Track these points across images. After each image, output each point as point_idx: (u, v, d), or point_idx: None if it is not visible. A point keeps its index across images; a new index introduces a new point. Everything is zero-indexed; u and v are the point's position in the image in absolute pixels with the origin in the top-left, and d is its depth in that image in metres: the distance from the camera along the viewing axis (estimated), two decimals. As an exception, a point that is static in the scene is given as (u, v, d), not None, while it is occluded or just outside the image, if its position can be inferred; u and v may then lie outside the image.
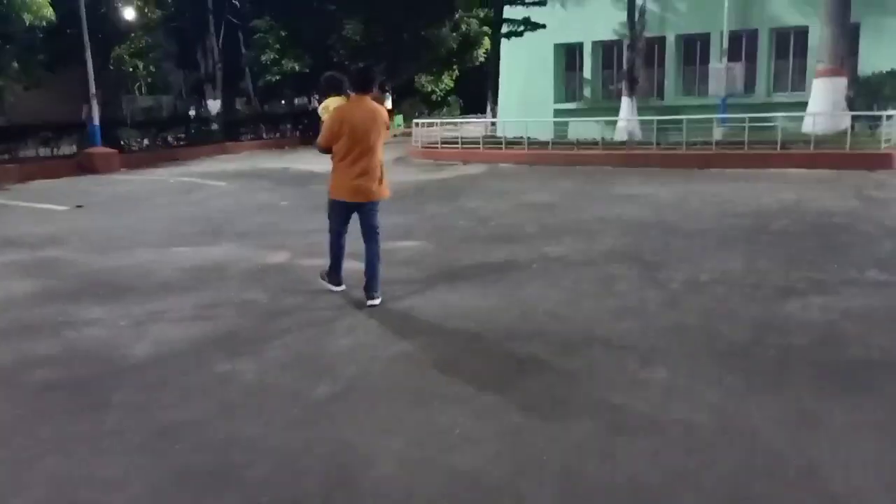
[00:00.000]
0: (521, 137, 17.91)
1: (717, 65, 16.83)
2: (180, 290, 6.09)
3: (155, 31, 26.96)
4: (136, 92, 29.89)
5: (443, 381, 3.94)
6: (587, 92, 20.42)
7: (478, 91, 43.44)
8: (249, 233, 8.85)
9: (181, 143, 22.85)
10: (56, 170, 16.56)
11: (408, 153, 20.09)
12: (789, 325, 4.69)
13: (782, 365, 4.04)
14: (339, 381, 3.97)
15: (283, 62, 26.97)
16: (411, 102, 40.26)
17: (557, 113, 19.97)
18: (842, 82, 14.94)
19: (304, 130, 27.74)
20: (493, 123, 19.81)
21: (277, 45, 27.24)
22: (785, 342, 4.38)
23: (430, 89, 36.41)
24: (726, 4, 16.38)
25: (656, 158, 15.26)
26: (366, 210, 5.40)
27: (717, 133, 15.36)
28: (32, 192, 13.96)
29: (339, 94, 5.94)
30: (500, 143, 17.89)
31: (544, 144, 17.38)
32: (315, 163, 18.13)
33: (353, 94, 5.43)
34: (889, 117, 13.38)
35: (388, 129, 5.47)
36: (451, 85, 36.70)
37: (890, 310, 4.94)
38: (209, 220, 9.92)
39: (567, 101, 20.72)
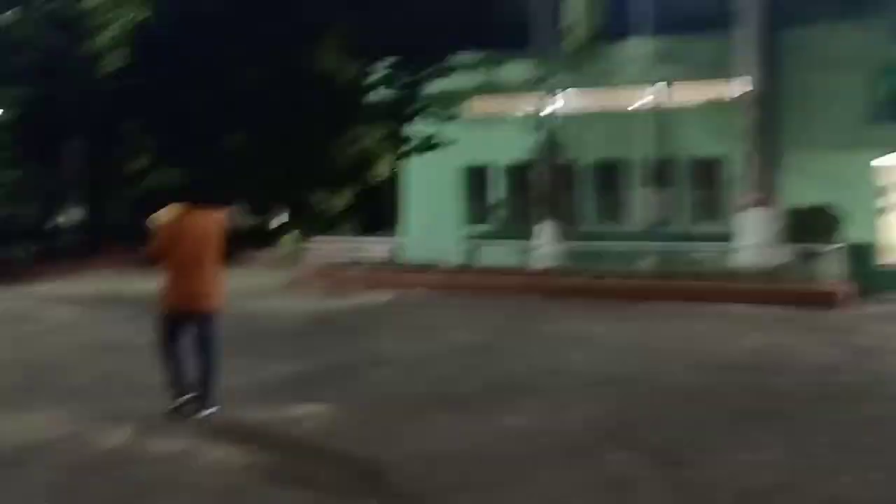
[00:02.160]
0: (431, 262, 16.36)
1: (641, 192, 16.23)
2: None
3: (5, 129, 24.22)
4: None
5: None
6: (499, 215, 19.38)
7: (377, 210, 42.35)
8: (84, 389, 6.49)
9: (29, 258, 19.68)
10: None
11: (301, 276, 18.03)
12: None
13: None
14: None
15: (158, 171, 24.63)
16: (303, 220, 38.39)
17: (467, 236, 18.71)
18: (771, 214, 14.53)
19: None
20: (399, 245, 18.26)
21: (153, 150, 24.95)
22: None
23: (323, 206, 34.76)
24: (644, 132, 16.05)
25: (584, 290, 14.00)
26: (198, 322, 5.44)
27: (646, 264, 14.42)
28: None
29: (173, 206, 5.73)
30: (408, 268, 16.24)
31: (457, 271, 15.86)
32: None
33: (185, 206, 5.47)
34: (825, 253, 12.85)
35: (223, 240, 5.55)
36: (348, 202, 35.29)
37: None
38: (32, 367, 7.46)
39: (477, 223, 19.53)
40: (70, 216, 26.12)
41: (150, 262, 5.57)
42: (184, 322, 5.42)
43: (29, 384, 6.73)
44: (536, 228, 17.01)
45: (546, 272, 15.35)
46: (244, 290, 15.65)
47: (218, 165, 26.82)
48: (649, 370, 7.44)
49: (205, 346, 5.45)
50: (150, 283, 6.14)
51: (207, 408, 5.37)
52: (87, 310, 12.09)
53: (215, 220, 5.55)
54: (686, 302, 12.73)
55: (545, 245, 16.35)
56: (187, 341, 5.47)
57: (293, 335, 9.89)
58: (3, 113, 23.17)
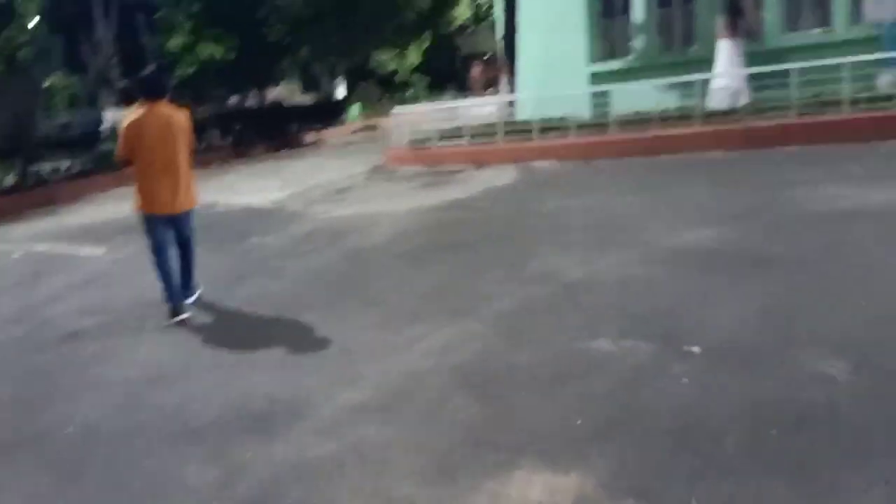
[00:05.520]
0: (555, 121, 12.69)
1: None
2: None
3: (36, 27, 21.26)
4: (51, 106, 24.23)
5: None
6: (638, 43, 15.09)
7: (445, 66, 37.96)
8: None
9: (67, 175, 16.71)
10: None
11: (386, 158, 14.72)
12: None
13: None
14: None
15: (198, 48, 21.26)
16: (365, 87, 34.51)
17: (595, 78, 14.74)
18: None
19: (240, 140, 22.05)
20: (511, 103, 14.57)
21: (189, 25, 21.45)
22: None
23: (392, 68, 30.74)
24: None
25: (797, 131, 10.21)
26: (176, 222, 5.45)
27: (885, 83, 10.40)
28: None
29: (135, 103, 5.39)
30: (529, 132, 12.66)
31: (600, 127, 12.19)
32: (256, 192, 12.71)
33: (147, 103, 5.25)
34: None
35: (189, 133, 5.45)
36: (420, 60, 31.13)
37: None
38: (16, 400, 4.57)
39: (607, 58, 15.40)
40: (85, 117, 22.82)
41: (119, 164, 5.59)
42: (162, 223, 5.38)
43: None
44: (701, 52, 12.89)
45: (732, 112, 11.46)
46: (321, 186, 12.56)
47: (265, 35, 23.23)
48: None
49: (186, 245, 5.57)
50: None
51: (193, 293, 5.66)
52: (125, 244, 9.18)
53: (175, 114, 5.34)
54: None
55: (723, 75, 12.30)
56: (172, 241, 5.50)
57: (406, 261, 6.70)
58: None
